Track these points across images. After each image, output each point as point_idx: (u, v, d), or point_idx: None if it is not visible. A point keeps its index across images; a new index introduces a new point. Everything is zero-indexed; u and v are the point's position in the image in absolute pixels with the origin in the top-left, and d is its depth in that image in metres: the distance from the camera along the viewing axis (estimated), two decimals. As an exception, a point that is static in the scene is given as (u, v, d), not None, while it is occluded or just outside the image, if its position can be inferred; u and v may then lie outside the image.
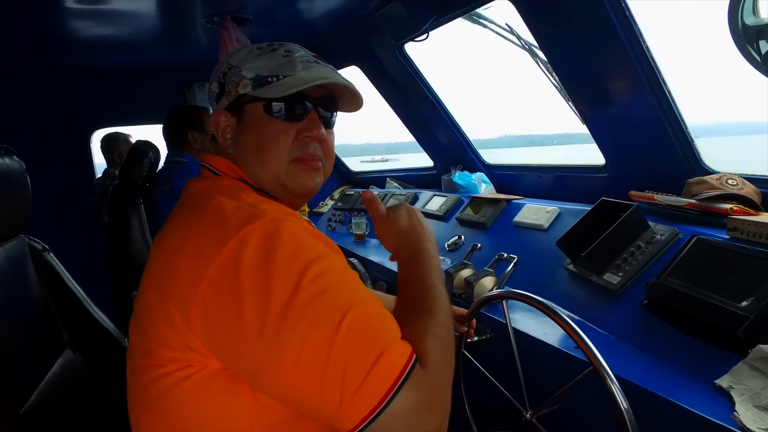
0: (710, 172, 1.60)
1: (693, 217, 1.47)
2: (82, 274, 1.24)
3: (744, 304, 1.06)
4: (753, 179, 1.51)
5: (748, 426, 0.88)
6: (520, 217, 2.09)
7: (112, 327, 1.13)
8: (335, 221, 3.27)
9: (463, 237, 2.28)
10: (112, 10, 2.08)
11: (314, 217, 3.47)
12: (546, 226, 1.94)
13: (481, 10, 2.00)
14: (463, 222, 2.35)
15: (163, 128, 2.20)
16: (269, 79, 0.82)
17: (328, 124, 0.89)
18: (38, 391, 0.95)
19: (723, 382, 1.01)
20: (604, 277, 1.44)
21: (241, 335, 0.64)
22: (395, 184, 3.40)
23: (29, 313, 1.02)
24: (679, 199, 1.51)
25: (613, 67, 1.62)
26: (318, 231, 0.77)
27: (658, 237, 1.41)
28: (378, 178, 3.60)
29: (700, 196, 1.47)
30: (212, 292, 0.66)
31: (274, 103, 0.83)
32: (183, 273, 0.68)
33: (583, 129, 1.95)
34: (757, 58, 1.21)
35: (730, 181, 1.47)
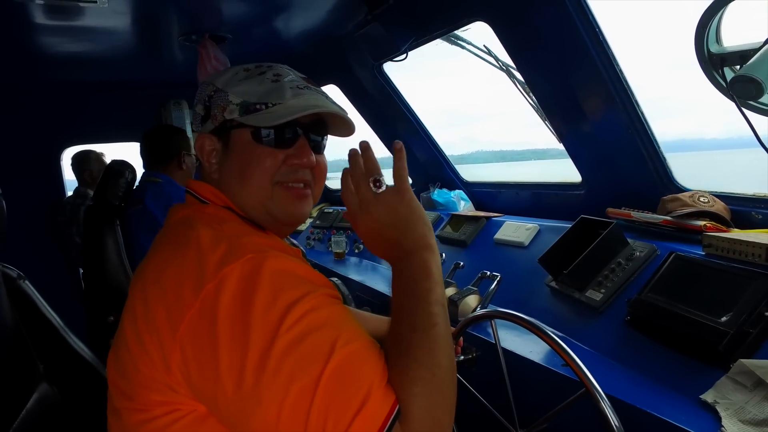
0: (682, 189, 1.66)
1: (668, 234, 1.51)
2: (50, 296, 1.19)
3: (724, 319, 1.09)
4: (721, 196, 1.57)
5: (734, 440, 0.90)
6: (501, 235, 2.11)
7: (91, 356, 1.08)
8: (314, 239, 3.25)
9: (444, 255, 2.29)
10: (86, 26, 2.04)
11: (293, 235, 3.44)
12: (526, 243, 1.97)
13: (459, 32, 2.04)
14: (443, 240, 2.37)
15: (143, 145, 2.14)
16: (257, 106, 0.78)
17: (318, 149, 0.86)
18: (12, 430, 0.89)
19: (708, 397, 1.03)
20: (587, 293, 1.47)
21: (219, 386, 0.61)
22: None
23: (1, 344, 0.97)
24: (655, 216, 1.55)
25: (587, 88, 1.67)
26: (304, 263, 0.72)
27: (637, 253, 1.45)
28: (356, 196, 3.59)
29: (674, 213, 1.52)
30: (191, 338, 0.63)
31: (262, 130, 0.79)
32: (161, 315, 0.65)
33: (556, 145, 2.00)
34: (723, 83, 1.26)
35: (702, 199, 1.53)
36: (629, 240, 1.52)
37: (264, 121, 0.78)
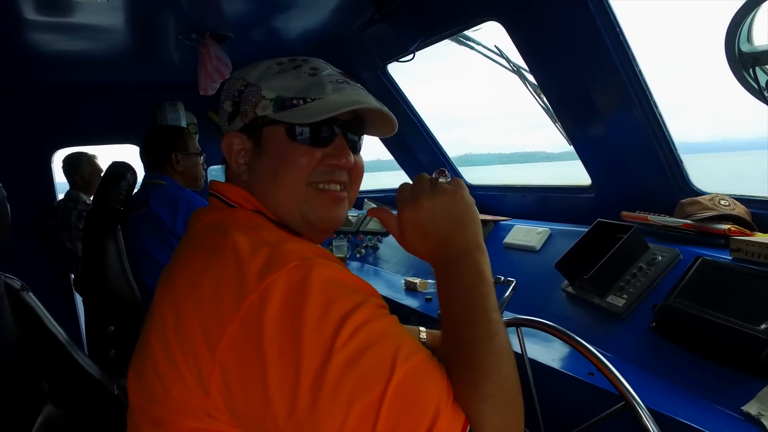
0: (699, 192, 1.63)
1: (689, 238, 1.48)
2: (42, 304, 1.12)
3: (763, 326, 1.05)
4: (741, 199, 1.54)
5: (785, 455, 0.86)
6: (510, 239, 2.07)
7: (99, 373, 1.01)
8: (313, 243, 3.19)
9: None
10: (80, 24, 1.96)
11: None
12: (538, 247, 1.93)
13: (469, 32, 2.00)
14: (450, 243, 2.32)
15: (142, 148, 2.08)
16: (294, 102, 0.73)
17: (355, 149, 0.80)
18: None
19: (751, 408, 0.99)
20: (608, 299, 1.43)
21: (268, 410, 0.55)
22: (373, 204, 3.36)
23: (4, 363, 0.90)
24: (675, 219, 1.52)
25: (604, 89, 1.64)
26: (349, 271, 0.66)
27: (659, 258, 1.42)
28: (357, 199, 3.53)
29: (695, 216, 1.48)
30: (232, 357, 0.56)
31: (297, 127, 0.73)
32: (196, 331, 0.59)
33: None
34: (754, 84, 1.24)
35: (722, 202, 1.50)
36: (649, 244, 1.49)
37: (302, 118, 0.72)
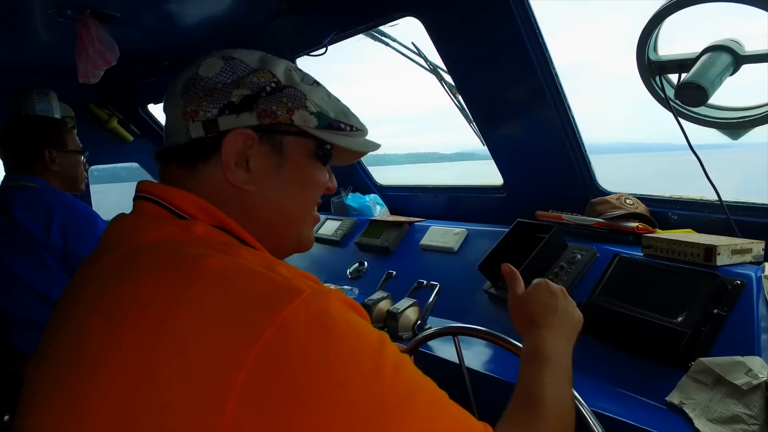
0: (605, 192, 1.72)
1: (601, 235, 1.55)
2: None
3: (680, 319, 1.11)
4: (641, 198, 1.65)
5: (714, 442, 0.90)
6: (427, 240, 2.05)
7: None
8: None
9: (366, 263, 2.18)
10: None
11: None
12: (456, 248, 1.92)
13: (385, 28, 1.94)
14: (364, 247, 2.25)
15: (1, 144, 1.72)
16: (341, 125, 0.68)
17: None
18: None
19: (673, 398, 1.03)
20: (532, 298, 1.44)
21: None
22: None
23: None
24: (587, 218, 1.58)
25: (521, 90, 1.66)
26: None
27: (579, 256, 1.46)
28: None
29: (605, 215, 1.56)
30: (253, 410, 0.44)
31: (325, 146, 0.68)
32: (181, 390, 0.44)
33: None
34: (660, 93, 1.31)
35: (627, 201, 1.59)
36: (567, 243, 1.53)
37: (346, 143, 0.69)
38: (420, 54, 1.89)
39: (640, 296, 1.22)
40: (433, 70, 1.89)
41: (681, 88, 1.15)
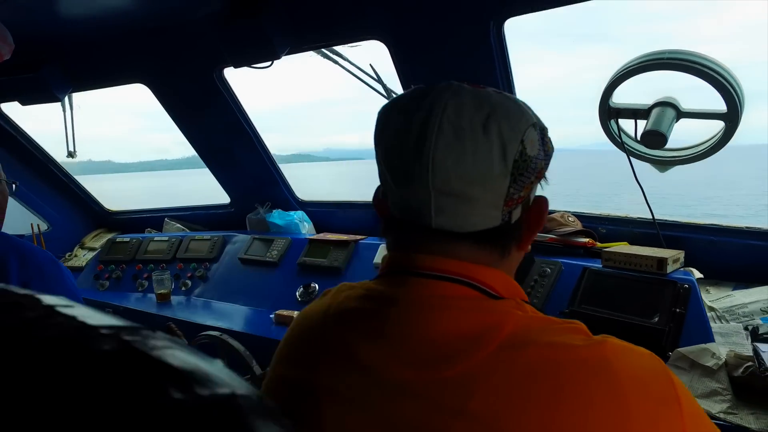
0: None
1: (555, 249, 1.79)
2: None
3: (656, 320, 1.37)
4: (576, 215, 1.95)
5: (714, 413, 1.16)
6: (380, 258, 2.10)
7: None
8: (107, 278, 2.53)
9: (315, 285, 2.11)
10: None
11: (75, 273, 2.60)
12: (413, 264, 2.01)
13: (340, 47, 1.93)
14: (312, 268, 2.18)
15: None
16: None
17: None
18: None
19: (667, 386, 1.29)
20: (514, 310, 1.61)
21: None
22: (178, 225, 2.88)
23: None
24: (542, 234, 1.82)
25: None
26: None
27: (548, 270, 1.67)
28: (152, 218, 2.96)
29: (556, 231, 1.81)
30: None
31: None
32: None
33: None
34: (614, 134, 1.59)
35: (570, 218, 1.87)
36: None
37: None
38: (378, 78, 1.92)
39: (616, 303, 1.46)
40: (388, 96, 1.94)
41: (646, 135, 1.42)
